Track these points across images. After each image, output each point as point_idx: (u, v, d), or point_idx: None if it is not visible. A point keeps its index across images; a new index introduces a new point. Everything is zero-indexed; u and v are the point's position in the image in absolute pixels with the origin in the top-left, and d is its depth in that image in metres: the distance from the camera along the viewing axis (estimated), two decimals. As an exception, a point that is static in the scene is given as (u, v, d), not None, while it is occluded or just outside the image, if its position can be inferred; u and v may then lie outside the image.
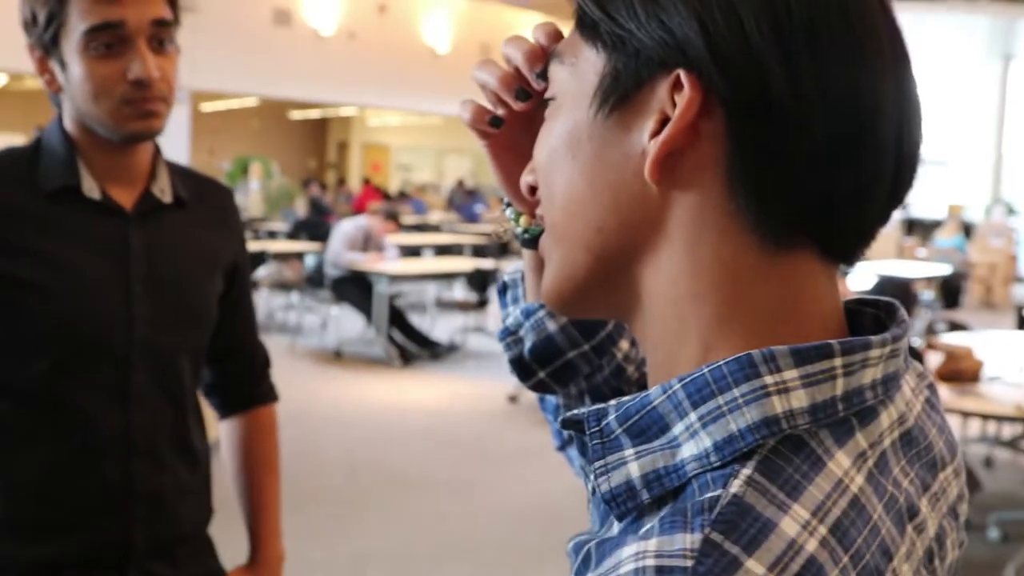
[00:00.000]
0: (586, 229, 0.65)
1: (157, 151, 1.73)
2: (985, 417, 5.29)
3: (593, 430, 0.62)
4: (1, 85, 18.41)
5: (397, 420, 7.52)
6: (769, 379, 0.57)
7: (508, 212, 0.91)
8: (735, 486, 0.54)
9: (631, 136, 0.62)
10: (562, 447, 1.06)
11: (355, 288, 9.61)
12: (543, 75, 0.74)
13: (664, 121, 0.60)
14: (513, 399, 8.12)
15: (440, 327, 10.49)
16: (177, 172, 1.78)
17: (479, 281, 10.51)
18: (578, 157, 0.65)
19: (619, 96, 0.62)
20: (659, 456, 0.59)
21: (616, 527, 0.61)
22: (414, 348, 9.74)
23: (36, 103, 19.64)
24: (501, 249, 13.79)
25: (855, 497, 0.57)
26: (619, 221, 0.64)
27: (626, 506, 0.60)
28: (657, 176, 0.61)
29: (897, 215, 7.26)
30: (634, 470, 0.60)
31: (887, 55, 0.61)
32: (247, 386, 1.96)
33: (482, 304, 10.45)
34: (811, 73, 0.58)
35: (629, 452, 0.60)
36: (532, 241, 0.85)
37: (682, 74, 0.59)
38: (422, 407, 7.96)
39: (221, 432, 1.97)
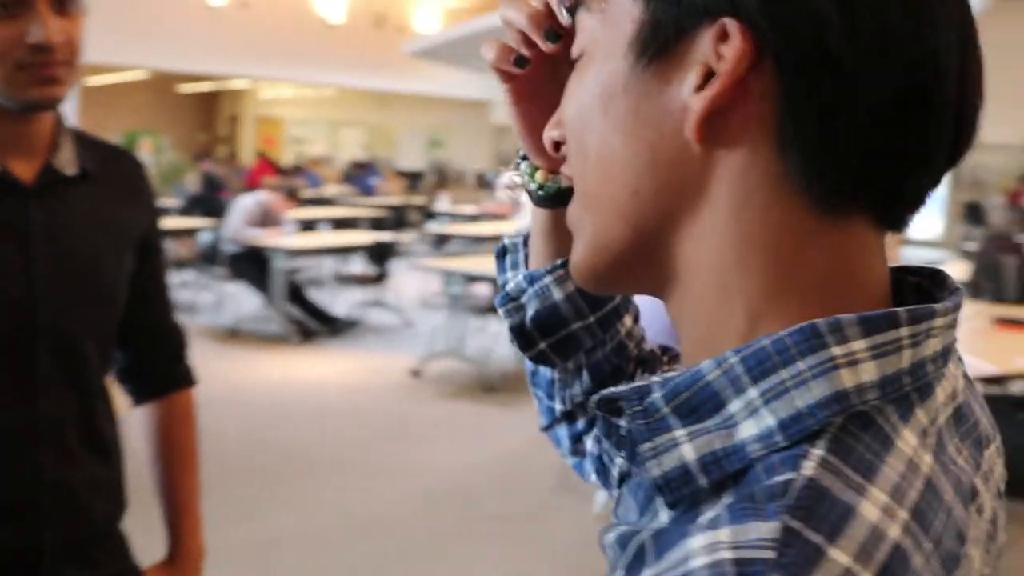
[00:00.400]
0: (621, 192, 0.60)
1: (60, 120, 1.60)
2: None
3: (636, 409, 0.57)
4: None
5: (299, 398, 7.42)
6: (837, 350, 0.53)
7: (523, 166, 0.85)
8: (808, 468, 0.50)
9: (670, 89, 0.57)
10: (549, 426, 0.98)
11: (252, 264, 9.43)
12: (572, 13, 0.67)
13: (708, 74, 0.55)
14: (416, 373, 8.06)
15: (339, 302, 10.37)
16: (83, 142, 1.65)
17: (378, 254, 10.39)
18: (611, 112, 0.60)
19: (658, 46, 0.57)
20: (715, 437, 0.54)
21: (665, 515, 0.57)
22: (313, 324, 9.61)
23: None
24: (398, 222, 13.70)
25: (928, 478, 0.53)
26: (657, 184, 0.59)
27: (680, 492, 0.55)
28: (700, 135, 0.56)
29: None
30: (688, 452, 0.55)
31: (949, 1, 0.56)
32: (162, 370, 1.85)
33: (381, 278, 10.36)
34: (871, 22, 0.53)
35: (680, 433, 0.55)
36: (547, 199, 0.80)
37: (729, 23, 0.54)
38: (324, 384, 7.86)
39: (136, 419, 1.87)
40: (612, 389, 0.60)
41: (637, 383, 0.58)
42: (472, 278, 8.12)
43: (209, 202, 12.61)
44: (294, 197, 9.98)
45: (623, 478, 0.66)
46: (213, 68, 18.46)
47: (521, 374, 8.05)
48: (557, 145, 0.69)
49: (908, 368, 0.54)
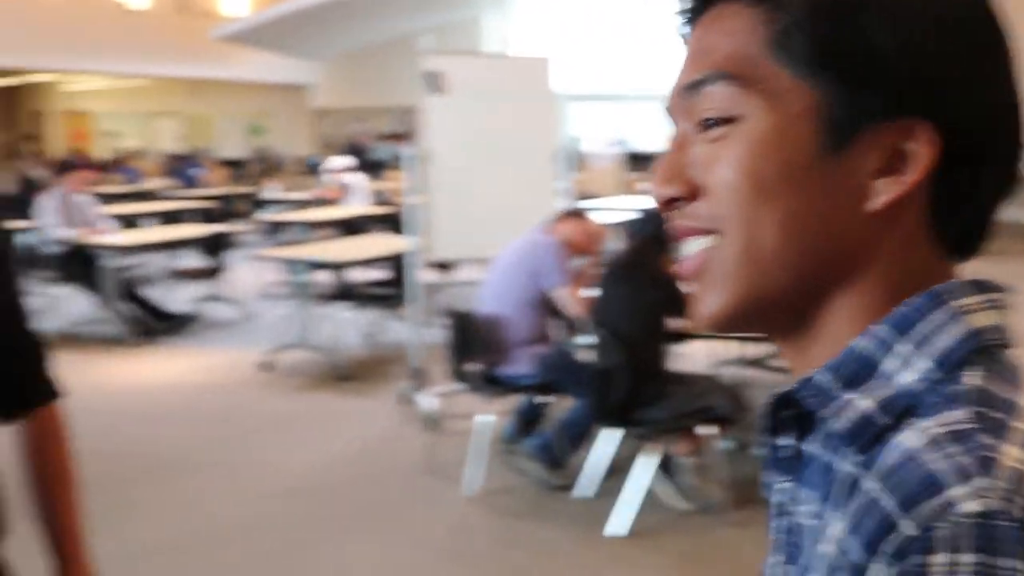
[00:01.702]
0: (790, 252, 0.70)
1: None
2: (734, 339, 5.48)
3: (808, 395, 0.70)
4: None
5: (143, 401, 7.17)
6: (962, 301, 0.67)
7: None
8: (971, 380, 0.64)
9: (846, 167, 0.68)
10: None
11: (80, 265, 9.04)
12: (695, 87, 0.73)
13: (890, 159, 0.67)
14: (266, 366, 7.88)
15: (175, 298, 10.03)
16: None
17: (211, 247, 10.09)
18: (792, 187, 0.69)
19: (843, 135, 0.67)
20: (881, 389, 0.66)
21: (849, 464, 0.67)
22: (152, 322, 9.27)
23: None
24: (227, 213, 13.36)
25: None
26: (827, 246, 0.69)
27: (867, 434, 0.66)
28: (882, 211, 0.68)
29: (619, 150, 7.47)
30: (863, 404, 0.66)
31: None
32: (23, 384, 1.73)
33: (216, 271, 10.06)
34: (1010, 123, 0.70)
35: (849, 396, 0.67)
36: None
37: (922, 128, 0.66)
38: (170, 384, 7.60)
39: (10, 438, 1.74)
40: (782, 388, 0.72)
41: (796, 382, 0.71)
42: (315, 265, 7.97)
43: (26, 203, 12.04)
44: (105, 195, 9.58)
45: (779, 512, 0.78)
46: (11, 61, 17.64)
47: (372, 361, 7.98)
48: (671, 200, 0.74)
49: (1001, 324, 0.68)
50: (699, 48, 0.73)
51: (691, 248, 0.74)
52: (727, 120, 0.70)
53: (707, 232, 0.73)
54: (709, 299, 0.73)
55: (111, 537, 4.61)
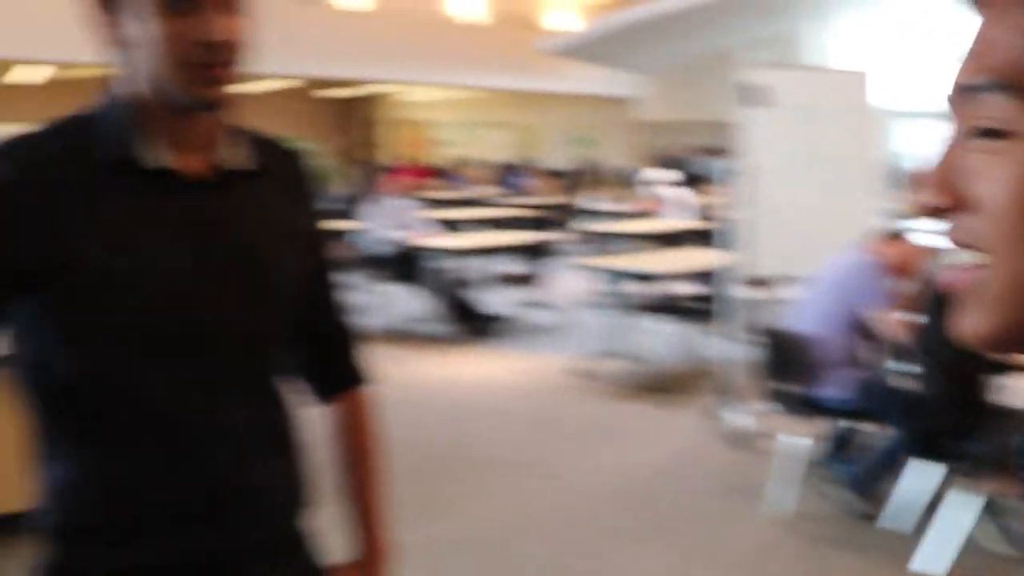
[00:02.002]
0: None
1: (231, 117, 1.56)
2: None
3: None
4: (49, 76, 18.49)
5: (465, 398, 7.46)
6: None
7: None
8: None
9: None
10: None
11: (407, 265, 9.52)
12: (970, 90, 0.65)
13: None
14: (577, 373, 8.00)
15: (495, 302, 10.37)
16: (254, 139, 1.62)
17: (532, 254, 10.39)
18: None
19: None
20: None
21: None
22: (473, 324, 9.64)
23: (85, 93, 19.70)
24: (551, 221, 13.66)
25: None
26: None
27: None
28: None
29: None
30: None
31: None
32: (337, 369, 1.82)
33: (535, 277, 10.33)
34: None
35: None
36: None
37: None
38: (489, 384, 7.88)
39: (319, 417, 1.85)
40: None
41: None
42: (630, 276, 8.04)
43: (359, 205, 12.78)
44: (434, 200, 10.04)
45: None
46: (352, 73, 18.71)
47: (682, 374, 7.96)
48: (936, 209, 0.69)
49: None
50: (981, 41, 0.64)
51: (963, 259, 0.69)
52: (1004, 133, 0.62)
53: (977, 248, 0.67)
54: (975, 317, 0.68)
55: (419, 527, 4.87)
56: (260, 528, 1.59)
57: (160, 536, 1.50)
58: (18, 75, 18.61)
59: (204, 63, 1.40)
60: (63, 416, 1.49)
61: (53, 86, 19.42)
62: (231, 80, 1.45)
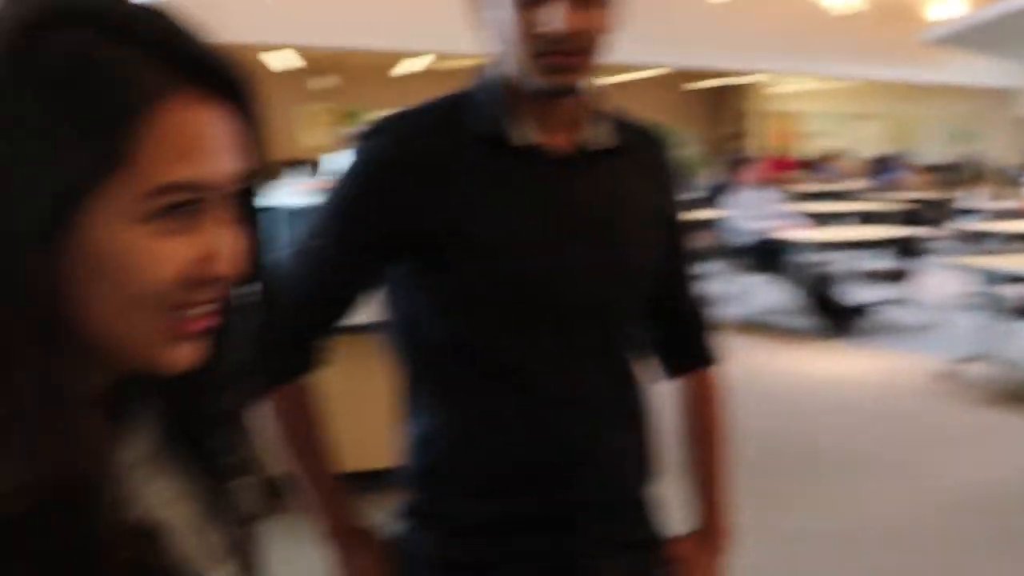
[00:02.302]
0: None
1: (595, 97, 1.61)
2: None
3: None
4: (427, 65, 19.61)
5: (816, 392, 7.32)
6: None
7: None
8: None
9: None
10: None
11: (773, 257, 9.42)
12: None
13: None
14: (943, 376, 7.65)
15: (861, 298, 10.03)
16: (619, 120, 1.66)
17: (904, 250, 10.01)
18: None
19: None
20: None
21: None
22: (832, 319, 9.40)
23: (461, 81, 20.92)
24: (925, 217, 13.09)
25: None
26: None
27: None
28: None
29: None
30: None
31: None
32: (687, 346, 1.85)
33: (905, 274, 9.95)
34: None
35: None
36: None
37: None
38: (842, 380, 7.69)
39: (667, 392, 1.89)
40: None
41: None
42: (1008, 277, 7.58)
43: (724, 195, 12.74)
44: (802, 192, 9.87)
45: None
46: (725, 64, 18.64)
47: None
48: None
49: None
50: None
51: None
52: None
53: None
54: None
55: (759, 516, 4.79)
56: (606, 492, 1.65)
57: (511, 491, 1.59)
58: (403, 67, 19.83)
59: (555, 52, 1.45)
60: (428, 375, 1.62)
61: (431, 75, 20.60)
62: (584, 69, 1.49)
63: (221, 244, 0.78)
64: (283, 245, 1.45)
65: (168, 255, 0.75)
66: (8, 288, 0.70)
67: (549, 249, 1.53)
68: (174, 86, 0.75)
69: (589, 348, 1.59)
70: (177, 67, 0.76)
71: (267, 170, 0.87)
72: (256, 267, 0.87)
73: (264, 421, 1.61)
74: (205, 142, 0.77)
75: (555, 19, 1.43)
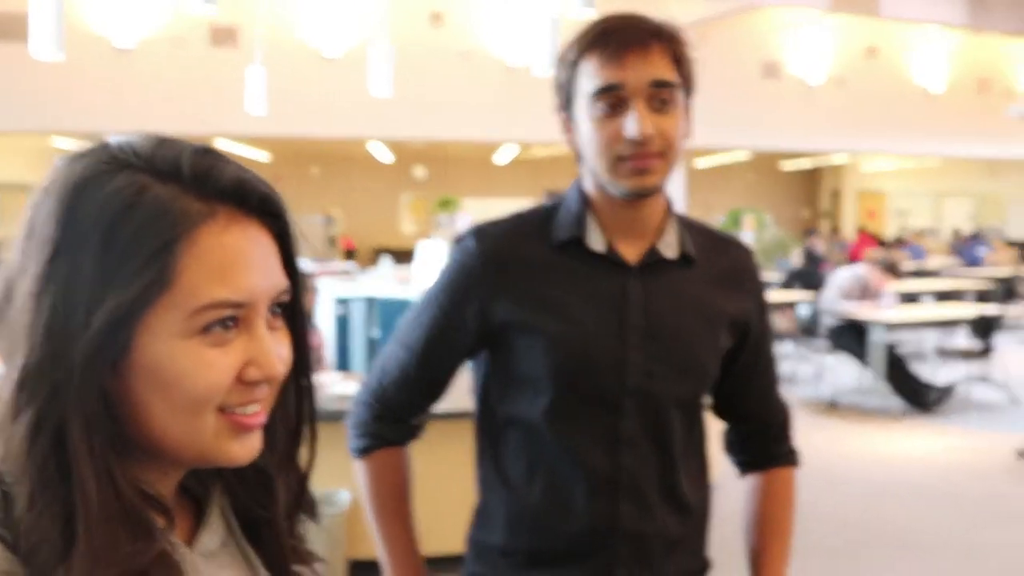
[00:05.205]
0: None
1: (668, 208, 1.77)
2: None
3: None
4: (515, 155, 20.09)
5: (896, 474, 7.30)
6: None
7: None
8: None
9: None
10: None
11: (852, 337, 9.52)
12: None
13: None
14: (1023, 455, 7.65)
15: (941, 376, 10.05)
16: (693, 230, 1.81)
17: (983, 328, 10.02)
18: None
19: None
20: None
21: None
22: (913, 398, 9.41)
23: (543, 170, 21.59)
24: (1007, 294, 13.05)
25: None
26: None
27: None
28: None
29: None
30: None
31: None
32: (762, 447, 1.95)
33: (985, 352, 9.94)
34: None
35: None
36: None
37: None
38: (923, 461, 7.67)
39: (737, 488, 1.99)
40: None
41: None
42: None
43: (810, 276, 12.85)
44: (894, 271, 9.90)
45: None
46: (813, 145, 18.71)
47: None
48: None
49: None
50: None
51: None
52: None
53: None
54: None
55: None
56: (645, 574, 1.74)
57: (553, 567, 1.76)
58: (498, 156, 20.38)
59: (635, 156, 1.61)
60: (493, 452, 1.82)
61: (517, 164, 21.13)
62: (662, 171, 1.65)
63: (265, 351, 0.88)
64: (379, 331, 1.71)
65: (216, 363, 0.85)
66: (77, 401, 0.80)
67: (606, 342, 1.69)
68: (211, 210, 0.85)
69: (637, 434, 1.71)
70: (213, 194, 0.86)
71: (302, 281, 0.97)
72: (303, 366, 0.97)
73: (358, 485, 1.83)
74: (244, 260, 0.86)
75: (634, 126, 1.59)
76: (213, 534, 0.96)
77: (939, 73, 18.28)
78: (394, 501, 1.83)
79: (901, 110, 17.99)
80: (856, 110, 17.46)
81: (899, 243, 19.02)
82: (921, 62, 18.08)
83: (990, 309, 10.48)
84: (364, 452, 1.82)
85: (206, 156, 0.87)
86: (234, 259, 0.85)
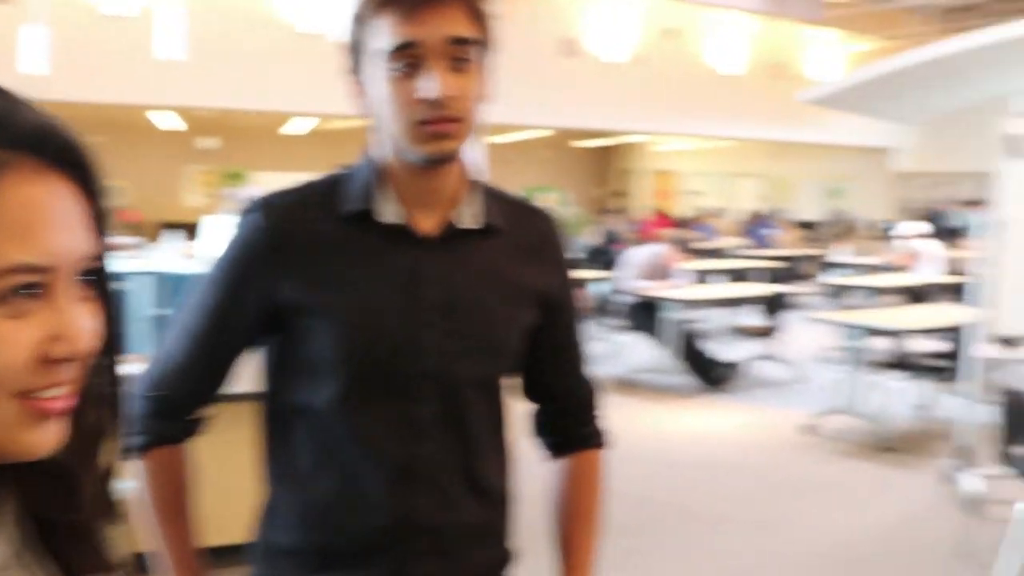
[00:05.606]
0: None
1: (465, 176, 1.63)
2: None
3: None
4: (313, 126, 19.60)
5: (685, 450, 7.42)
6: None
7: None
8: None
9: None
10: None
11: (646, 316, 9.57)
12: None
13: None
14: (808, 429, 7.84)
15: (732, 355, 10.23)
16: (500, 199, 1.69)
17: (771, 306, 10.25)
18: None
19: None
20: None
21: None
22: (703, 375, 9.56)
23: (343, 142, 21.10)
24: (793, 273, 13.41)
25: None
26: None
27: None
28: None
29: None
30: None
31: None
32: (571, 428, 1.84)
33: (773, 330, 10.19)
34: None
35: None
36: None
37: None
38: (715, 437, 7.82)
39: (543, 470, 1.87)
40: None
41: None
42: (872, 331, 7.81)
43: (606, 255, 12.90)
44: (688, 250, 10.02)
45: None
46: (612, 124, 18.92)
47: (918, 434, 7.66)
48: None
49: None
50: None
51: None
52: None
53: None
54: None
55: (636, 574, 4.86)
56: (450, 570, 1.63)
57: (347, 566, 1.59)
58: (290, 127, 19.82)
59: (433, 119, 1.48)
60: (280, 444, 1.64)
61: (315, 136, 20.60)
62: (461, 135, 1.52)
63: (71, 324, 0.75)
64: (160, 309, 1.44)
65: (16, 338, 0.73)
66: None
67: (396, 325, 1.55)
68: (6, 159, 0.73)
69: (434, 420, 1.59)
70: (9, 141, 0.73)
71: (112, 245, 0.84)
72: (113, 342, 0.84)
73: (135, 485, 1.62)
74: (46, 218, 0.74)
75: (432, 87, 1.46)
76: (5, 544, 0.80)
77: (736, 57, 18.70)
78: (173, 501, 1.66)
79: (698, 92, 18.37)
80: (654, 90, 17.72)
81: (691, 223, 19.42)
82: (719, 46, 18.45)
83: (779, 288, 10.72)
84: (140, 450, 1.62)
85: (2, 98, 0.75)
86: (35, 216, 0.73)
